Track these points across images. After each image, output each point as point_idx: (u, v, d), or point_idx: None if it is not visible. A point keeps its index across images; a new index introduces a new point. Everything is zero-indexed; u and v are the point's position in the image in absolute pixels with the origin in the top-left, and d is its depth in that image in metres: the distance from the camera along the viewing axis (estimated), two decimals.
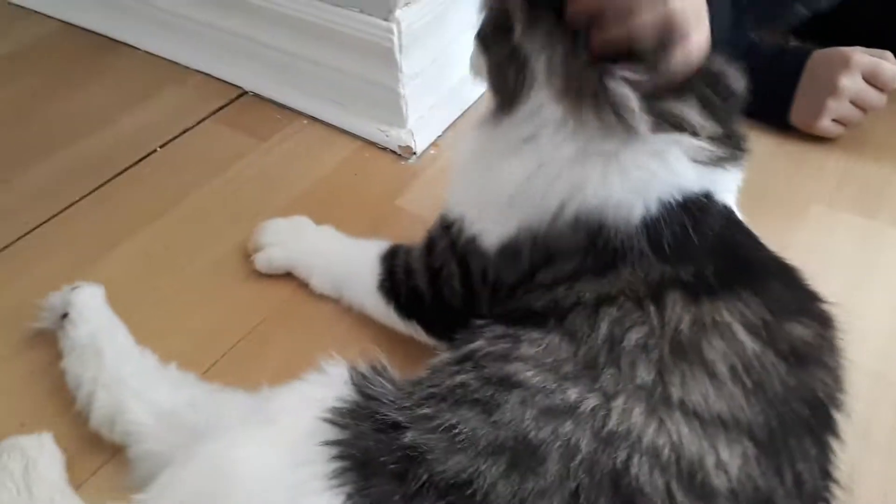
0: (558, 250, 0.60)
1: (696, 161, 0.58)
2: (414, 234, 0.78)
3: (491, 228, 0.65)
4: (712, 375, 0.52)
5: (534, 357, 0.55)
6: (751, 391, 0.52)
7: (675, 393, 0.51)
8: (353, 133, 1.11)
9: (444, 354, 0.60)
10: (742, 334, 0.54)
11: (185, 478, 0.54)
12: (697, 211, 0.58)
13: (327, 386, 0.56)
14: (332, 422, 0.52)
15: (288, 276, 0.88)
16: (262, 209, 0.98)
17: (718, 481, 0.48)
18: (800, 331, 0.56)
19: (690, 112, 0.57)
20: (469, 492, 0.48)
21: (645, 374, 0.53)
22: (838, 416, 0.55)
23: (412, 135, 1.06)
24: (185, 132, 1.12)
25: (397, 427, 0.52)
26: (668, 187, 0.58)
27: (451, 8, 1.07)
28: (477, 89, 1.18)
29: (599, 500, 0.47)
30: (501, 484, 0.48)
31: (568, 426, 0.50)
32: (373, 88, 1.06)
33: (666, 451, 0.49)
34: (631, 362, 0.53)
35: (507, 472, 0.48)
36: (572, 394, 0.52)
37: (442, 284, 0.71)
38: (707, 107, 0.58)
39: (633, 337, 0.55)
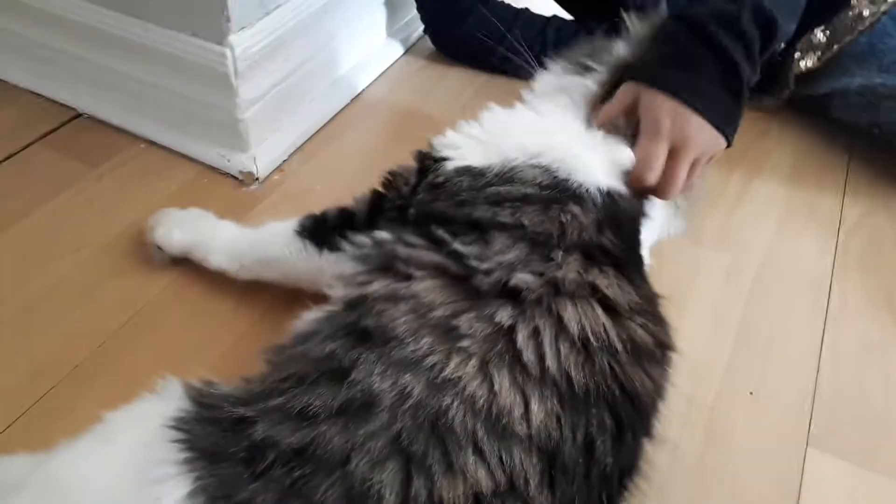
0: (522, 179, 0.69)
1: None
2: None
3: (471, 157, 0.73)
4: (560, 335, 0.58)
5: (417, 296, 0.59)
6: (582, 361, 0.58)
7: (519, 342, 0.57)
8: (192, 158, 1.08)
9: (339, 290, 0.65)
10: (601, 311, 0.61)
11: None
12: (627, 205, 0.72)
13: (165, 401, 0.58)
14: (175, 428, 0.54)
15: (118, 305, 0.86)
16: (90, 240, 0.94)
17: (519, 428, 0.54)
18: (646, 329, 0.63)
19: None
20: (309, 452, 0.51)
21: (505, 318, 0.58)
22: (650, 417, 0.62)
23: (254, 160, 1.05)
24: (9, 157, 1.06)
25: (244, 421, 0.54)
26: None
27: (292, 34, 1.06)
28: (325, 113, 1.19)
29: (418, 437, 0.52)
30: (338, 438, 0.52)
31: (407, 377, 0.54)
32: (211, 113, 1.04)
33: (482, 401, 0.54)
34: (501, 304, 0.59)
35: (344, 427, 0.52)
36: (424, 344, 0.56)
37: (384, 198, 0.77)
38: None
39: (522, 278, 0.60)
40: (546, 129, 0.76)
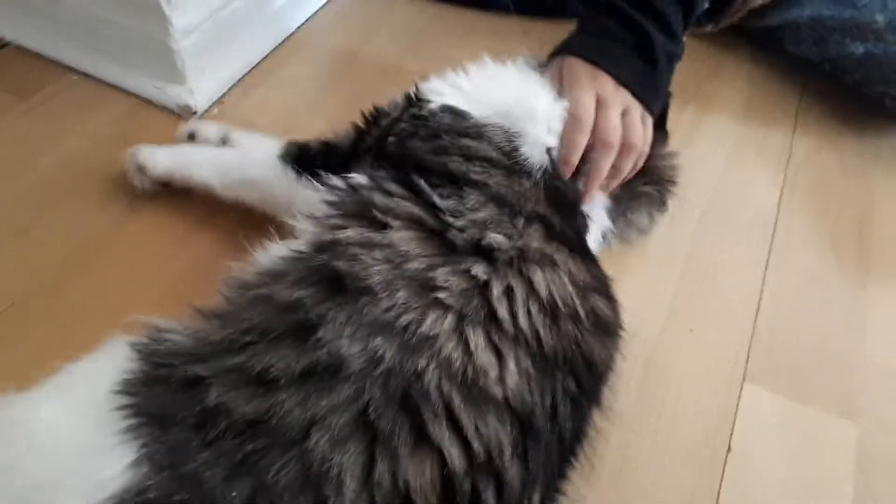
0: (489, 138, 0.71)
1: None
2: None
3: (454, 99, 0.75)
4: (531, 297, 0.58)
5: (392, 245, 0.58)
6: (550, 324, 0.58)
7: (494, 303, 0.56)
8: (127, 90, 1.03)
9: (302, 241, 0.61)
10: (567, 279, 0.61)
11: None
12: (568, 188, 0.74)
13: (112, 360, 0.54)
14: (122, 392, 0.51)
15: (54, 241, 0.84)
16: (23, 174, 0.90)
17: (496, 390, 0.53)
18: (602, 304, 0.63)
19: None
20: (264, 423, 0.48)
21: (481, 273, 0.58)
22: (602, 387, 0.63)
23: (192, 92, 1.01)
24: None
25: (198, 383, 0.51)
26: None
27: None
28: (266, 45, 1.14)
29: (387, 411, 0.50)
30: (298, 409, 0.48)
31: (378, 340, 0.52)
32: (146, 43, 0.98)
33: (458, 363, 0.53)
34: (475, 261, 0.59)
35: (305, 396, 0.49)
36: (399, 299, 0.54)
37: (367, 131, 0.77)
38: None
39: (494, 237, 0.61)
40: (523, 92, 0.76)
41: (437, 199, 0.63)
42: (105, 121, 0.99)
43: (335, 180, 0.68)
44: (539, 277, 0.59)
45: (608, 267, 0.76)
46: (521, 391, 0.54)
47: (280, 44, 1.16)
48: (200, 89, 1.02)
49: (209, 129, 0.93)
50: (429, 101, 0.74)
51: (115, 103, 1.02)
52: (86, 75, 1.05)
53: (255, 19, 1.13)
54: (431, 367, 0.52)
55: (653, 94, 0.81)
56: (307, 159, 0.77)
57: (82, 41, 1.04)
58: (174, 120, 1.01)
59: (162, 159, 0.86)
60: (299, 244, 0.61)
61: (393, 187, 0.64)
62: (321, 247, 0.59)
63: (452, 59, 1.15)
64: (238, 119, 1.02)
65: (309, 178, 0.74)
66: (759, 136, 1.11)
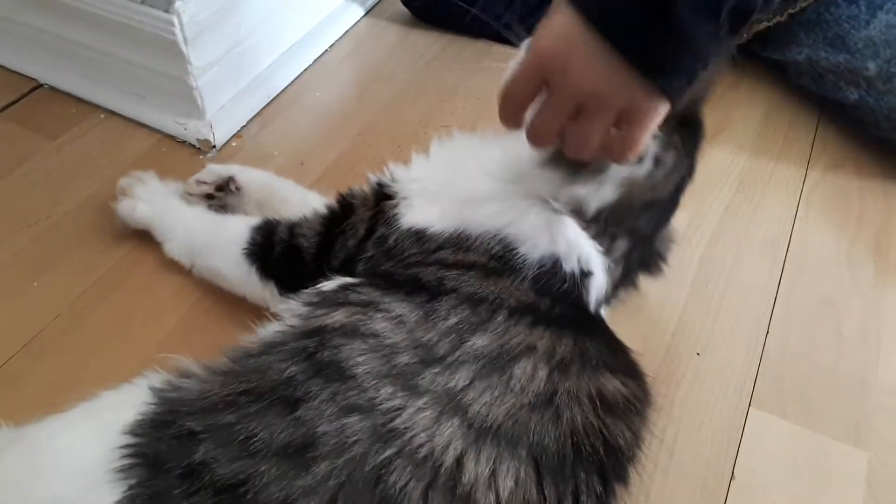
0: (470, 246, 0.67)
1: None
2: None
3: (423, 213, 0.71)
4: (510, 390, 0.56)
5: (379, 335, 0.58)
6: (550, 418, 0.56)
7: (470, 398, 0.55)
8: (151, 126, 1.08)
9: (294, 320, 0.63)
10: (551, 368, 0.59)
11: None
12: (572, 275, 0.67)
13: (131, 394, 0.58)
14: (131, 432, 0.55)
15: (75, 277, 0.87)
16: (49, 213, 0.95)
17: (484, 499, 0.51)
18: (614, 384, 0.61)
19: (618, 244, 0.71)
20: (241, 491, 0.50)
21: (462, 380, 0.56)
22: (630, 469, 0.60)
23: (211, 127, 1.05)
24: None
25: (193, 436, 0.53)
26: (569, 254, 0.67)
27: None
28: (283, 78, 1.18)
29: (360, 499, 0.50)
30: (274, 485, 0.50)
31: (353, 418, 0.53)
32: (166, 81, 1.03)
33: (430, 460, 0.52)
34: (460, 363, 0.57)
35: (282, 473, 0.51)
36: (384, 392, 0.55)
37: (334, 241, 0.74)
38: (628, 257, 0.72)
39: (478, 342, 0.59)
40: (504, 200, 0.71)
41: (408, 308, 0.62)
42: (130, 157, 1.04)
43: (305, 294, 0.67)
44: (520, 372, 0.57)
45: None
46: (521, 501, 0.52)
47: (297, 76, 1.20)
48: (219, 123, 1.06)
49: (219, 171, 0.92)
50: (396, 215, 0.72)
51: (139, 140, 1.07)
52: (112, 113, 1.10)
53: (272, 53, 1.17)
54: (401, 460, 0.51)
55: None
56: (272, 263, 0.76)
57: (108, 80, 1.10)
58: (195, 154, 1.05)
59: (141, 216, 0.88)
60: (291, 322, 0.63)
61: (368, 289, 0.64)
62: (310, 332, 0.60)
63: (462, 88, 1.19)
64: (256, 151, 1.06)
65: (276, 281, 0.76)
66: (775, 153, 1.09)
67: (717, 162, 1.08)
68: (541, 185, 0.69)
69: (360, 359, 0.56)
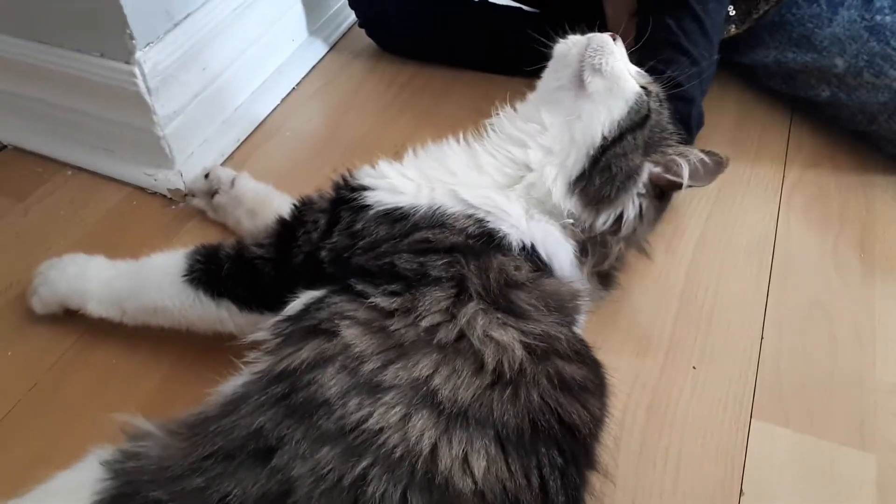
0: (448, 225, 0.68)
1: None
2: None
3: (394, 195, 0.71)
4: (477, 374, 0.57)
5: (349, 345, 0.57)
6: (507, 399, 0.56)
7: (439, 387, 0.55)
8: (120, 180, 1.06)
9: (261, 366, 0.60)
10: (518, 347, 0.59)
11: None
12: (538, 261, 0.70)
13: (83, 473, 0.55)
14: None
15: (50, 343, 0.84)
16: (20, 277, 0.92)
17: (463, 483, 0.51)
18: (571, 369, 0.61)
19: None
20: None
21: (427, 366, 0.56)
22: (592, 449, 0.60)
23: (181, 175, 1.03)
24: None
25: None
26: (549, 245, 0.71)
27: (206, 42, 1.04)
28: (251, 119, 1.16)
29: None
30: None
31: (324, 450, 0.51)
32: (132, 132, 1.01)
33: (407, 458, 0.51)
34: (424, 353, 0.57)
35: None
36: (352, 405, 0.54)
37: (294, 240, 0.72)
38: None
39: (438, 327, 0.59)
40: (479, 180, 0.74)
41: (381, 301, 0.62)
42: (101, 213, 1.01)
43: (271, 319, 0.66)
44: (490, 353, 0.58)
45: (604, 308, 0.76)
46: (494, 479, 0.52)
47: (266, 116, 1.18)
48: (190, 171, 1.04)
49: (223, 171, 0.97)
50: (362, 192, 0.72)
51: (109, 194, 1.04)
52: (80, 169, 1.08)
53: (239, 96, 1.16)
54: (376, 468, 0.51)
55: None
56: (222, 277, 0.74)
57: (73, 136, 1.07)
58: (167, 204, 1.03)
59: (47, 297, 0.83)
60: (257, 369, 0.60)
61: (334, 299, 0.63)
62: (278, 376, 0.58)
63: (434, 114, 1.18)
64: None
65: (230, 296, 0.73)
66: (751, 157, 1.09)
67: None
68: (550, 199, 0.73)
69: (331, 382, 0.55)
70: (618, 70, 0.77)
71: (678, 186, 0.78)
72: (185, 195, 1.02)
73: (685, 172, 0.77)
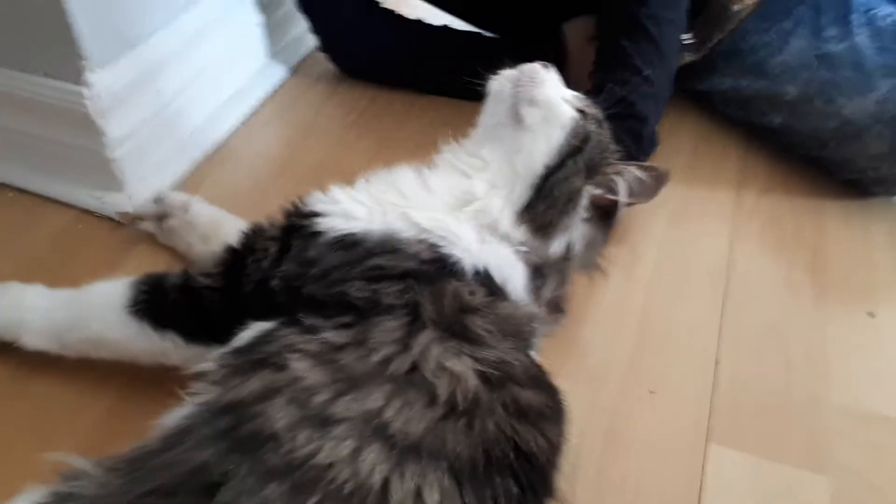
0: (401, 251, 0.67)
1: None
2: None
3: (346, 221, 0.69)
4: (431, 406, 0.55)
5: (298, 377, 0.55)
6: (461, 429, 0.54)
7: (391, 420, 0.53)
8: (65, 202, 1.02)
9: (206, 396, 0.57)
10: (472, 377, 0.58)
11: None
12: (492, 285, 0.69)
13: None
14: None
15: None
16: None
17: None
18: (527, 395, 0.59)
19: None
20: None
21: (379, 399, 0.54)
22: (549, 476, 0.59)
23: (130, 199, 1.00)
24: None
25: None
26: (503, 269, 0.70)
27: (162, 65, 1.02)
28: (206, 144, 1.14)
29: None
30: None
31: (271, 486, 0.49)
32: (79, 154, 0.98)
33: (357, 494, 0.49)
34: (377, 385, 0.56)
35: None
36: (301, 439, 0.52)
37: (242, 269, 0.70)
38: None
39: (394, 367, 0.57)
40: (431, 203, 0.73)
41: (331, 336, 0.60)
42: (44, 237, 0.98)
43: (216, 352, 0.63)
44: (442, 384, 0.56)
45: (561, 333, 0.75)
46: None
47: (223, 140, 1.17)
48: (140, 195, 1.01)
49: (175, 196, 0.94)
50: (313, 218, 0.70)
51: (53, 217, 1.01)
52: (22, 191, 1.04)
53: (196, 118, 1.14)
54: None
55: None
56: (167, 307, 0.72)
57: (16, 157, 1.04)
58: (115, 228, 1.00)
59: None
60: (202, 400, 0.58)
61: (283, 331, 0.61)
62: (224, 408, 0.55)
63: (395, 138, 1.18)
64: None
65: (176, 328, 0.71)
66: (707, 182, 1.11)
67: None
68: (498, 227, 0.72)
69: (279, 414, 0.53)
70: (550, 98, 0.77)
71: (619, 205, 0.78)
72: (134, 218, 0.99)
73: (621, 190, 0.77)
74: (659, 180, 0.80)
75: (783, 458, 0.75)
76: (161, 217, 0.95)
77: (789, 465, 0.75)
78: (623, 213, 0.79)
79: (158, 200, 0.95)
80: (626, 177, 0.78)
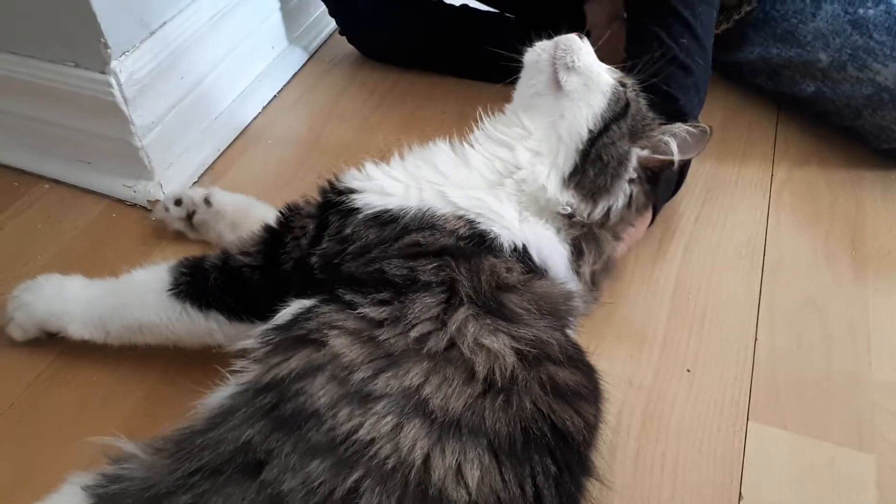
0: (438, 227, 0.67)
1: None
2: None
3: (383, 197, 0.70)
4: (469, 383, 0.55)
5: (337, 355, 0.56)
6: (499, 407, 0.55)
7: (430, 396, 0.54)
8: (98, 192, 1.03)
9: (248, 376, 0.58)
10: (510, 354, 0.57)
11: None
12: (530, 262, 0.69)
13: (63, 498, 0.54)
14: None
15: (31, 360, 0.81)
16: (2, 290, 0.89)
17: (457, 495, 0.50)
18: (564, 374, 0.59)
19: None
20: None
21: (418, 376, 0.55)
22: (587, 455, 0.59)
23: (161, 187, 1.01)
24: None
25: None
26: (542, 248, 0.70)
27: (184, 51, 1.02)
28: (232, 128, 1.14)
29: None
30: None
31: (315, 463, 0.50)
32: (109, 144, 0.99)
33: (399, 470, 0.50)
34: (415, 362, 0.56)
35: None
36: (342, 416, 0.52)
37: (281, 247, 0.71)
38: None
39: (431, 344, 0.58)
40: (469, 180, 0.73)
41: (369, 311, 0.60)
42: (79, 227, 0.99)
43: (259, 328, 0.64)
44: (480, 361, 0.56)
45: (597, 312, 0.75)
46: (489, 489, 0.51)
47: (247, 125, 1.17)
48: (169, 182, 1.02)
49: (194, 192, 0.94)
50: (350, 195, 0.70)
51: (87, 207, 1.02)
52: (57, 182, 1.06)
53: (219, 105, 1.14)
54: (368, 480, 0.49)
55: None
56: (209, 288, 0.72)
57: (50, 149, 1.05)
58: (147, 215, 1.00)
59: (23, 324, 0.80)
60: (244, 379, 0.58)
61: (322, 308, 0.61)
62: (266, 386, 0.56)
63: (418, 120, 1.17)
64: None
65: (219, 307, 0.72)
66: (739, 157, 1.08)
67: None
68: (544, 195, 0.72)
69: (320, 392, 0.54)
70: (590, 65, 0.77)
71: (669, 165, 0.78)
72: (160, 223, 0.98)
73: (674, 147, 0.76)
74: (704, 135, 0.79)
75: (825, 435, 0.74)
76: (188, 215, 0.95)
77: (832, 443, 0.74)
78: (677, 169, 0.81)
79: (178, 201, 0.95)
80: (676, 133, 0.77)
